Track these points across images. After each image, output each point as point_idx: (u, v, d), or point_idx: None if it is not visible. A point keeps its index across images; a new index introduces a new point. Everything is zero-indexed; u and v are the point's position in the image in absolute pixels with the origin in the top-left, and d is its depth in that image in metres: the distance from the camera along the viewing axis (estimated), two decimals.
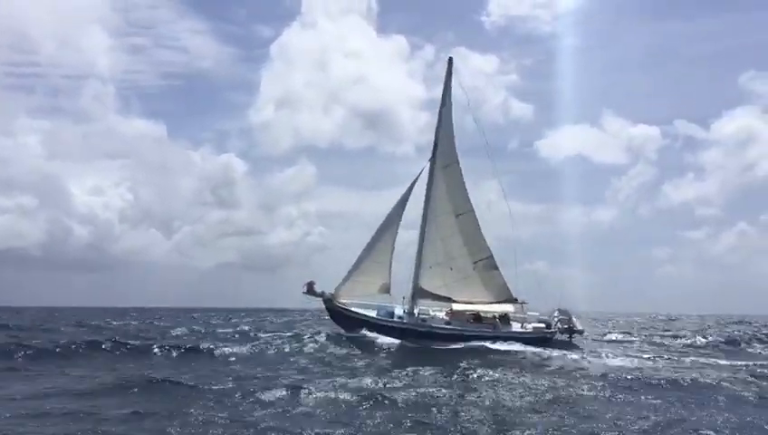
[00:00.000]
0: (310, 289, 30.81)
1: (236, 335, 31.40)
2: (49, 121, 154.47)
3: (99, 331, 35.93)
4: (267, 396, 14.10)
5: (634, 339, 37.45)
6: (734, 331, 48.06)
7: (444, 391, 15.20)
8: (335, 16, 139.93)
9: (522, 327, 31.87)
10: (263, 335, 30.66)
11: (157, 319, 55.12)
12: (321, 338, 27.53)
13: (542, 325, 31.67)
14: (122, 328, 39.69)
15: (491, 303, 33.10)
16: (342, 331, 30.90)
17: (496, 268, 33.97)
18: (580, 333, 31.90)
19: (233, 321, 51.86)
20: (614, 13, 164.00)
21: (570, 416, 12.87)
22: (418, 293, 32.70)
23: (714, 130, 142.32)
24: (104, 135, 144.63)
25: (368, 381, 16.59)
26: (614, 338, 38.12)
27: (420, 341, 29.59)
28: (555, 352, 26.10)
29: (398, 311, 31.87)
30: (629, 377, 18.40)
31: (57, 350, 22.62)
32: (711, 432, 11.70)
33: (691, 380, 18.14)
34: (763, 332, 46.20)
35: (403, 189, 33.54)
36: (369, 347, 26.63)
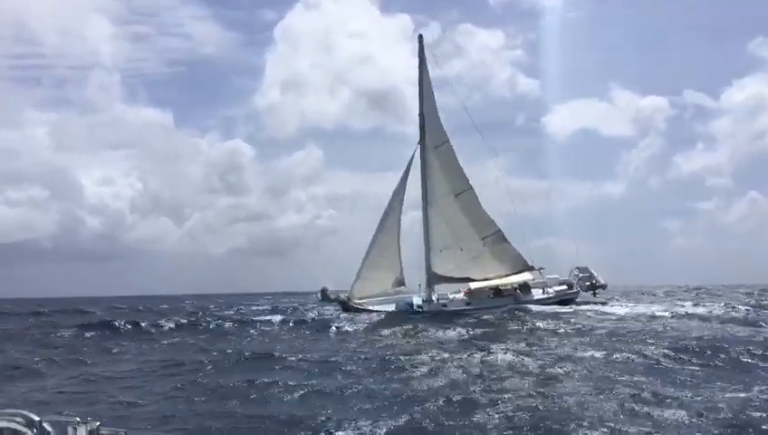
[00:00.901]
0: (324, 296, 30.20)
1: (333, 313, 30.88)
2: (56, 113, 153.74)
3: (193, 314, 34.63)
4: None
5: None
6: None
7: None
8: None
9: (543, 293, 31.18)
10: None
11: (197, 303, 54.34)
12: None
13: (564, 287, 30.99)
14: (209, 310, 39.09)
15: (508, 275, 32.50)
16: None
17: (506, 241, 33.34)
18: (603, 287, 31.23)
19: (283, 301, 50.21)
20: None
21: None
22: (433, 278, 32.01)
23: (724, 99, 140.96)
24: (111, 125, 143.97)
25: None
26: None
27: None
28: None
29: (417, 300, 31.12)
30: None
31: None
32: None
33: None
34: None
35: (411, 172, 32.97)
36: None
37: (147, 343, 20.74)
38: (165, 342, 20.98)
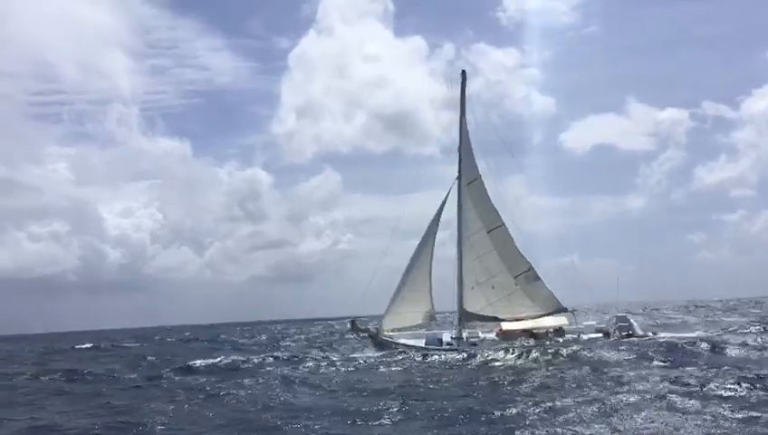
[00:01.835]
0: (353, 327, 29.82)
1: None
2: (76, 147, 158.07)
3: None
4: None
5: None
6: None
7: None
8: (351, 21, 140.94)
9: (578, 338, 30.35)
10: None
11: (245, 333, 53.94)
12: None
13: (600, 335, 30.16)
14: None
15: (539, 316, 31.88)
16: None
17: (539, 279, 32.78)
18: (641, 337, 30.27)
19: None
20: None
21: None
22: (464, 316, 31.50)
23: (744, 109, 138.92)
24: (131, 157, 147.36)
25: None
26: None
27: None
28: None
29: (447, 337, 30.62)
30: None
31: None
32: None
33: None
34: None
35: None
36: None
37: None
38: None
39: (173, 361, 29.15)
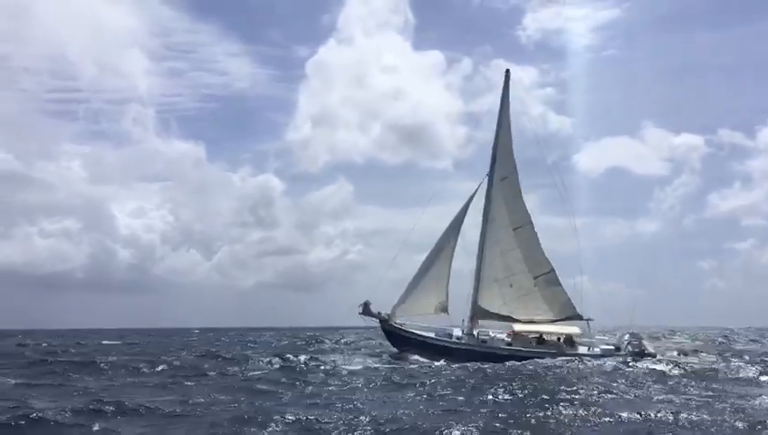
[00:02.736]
0: (366, 310, 30.16)
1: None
2: (92, 146, 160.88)
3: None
4: None
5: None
6: None
7: None
8: (371, 32, 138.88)
9: (589, 350, 30.27)
10: None
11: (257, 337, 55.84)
12: None
13: (611, 347, 29.98)
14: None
15: (553, 321, 31.73)
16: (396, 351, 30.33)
17: (558, 284, 32.52)
18: (652, 356, 30.01)
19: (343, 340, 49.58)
20: (649, 24, 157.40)
21: None
22: (478, 312, 31.64)
23: (760, 138, 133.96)
24: (145, 158, 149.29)
25: None
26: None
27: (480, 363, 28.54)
28: None
29: (457, 332, 30.89)
30: None
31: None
32: None
33: None
34: None
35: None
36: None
37: None
38: None
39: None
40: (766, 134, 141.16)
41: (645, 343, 29.75)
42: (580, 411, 14.70)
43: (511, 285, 32.41)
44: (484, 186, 32.69)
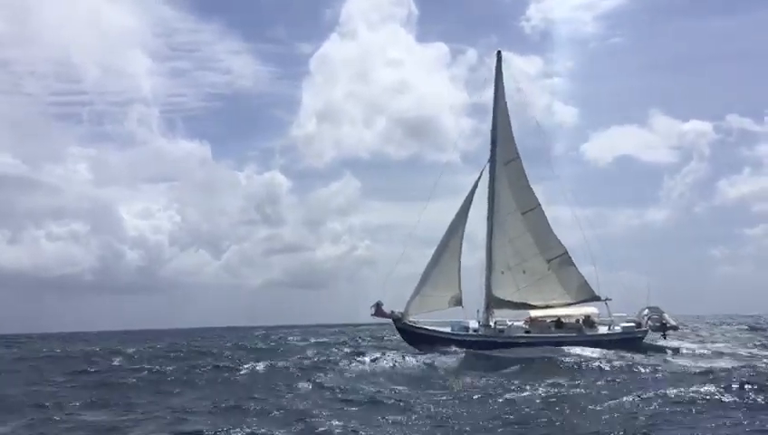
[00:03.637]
0: (378, 311, 29.59)
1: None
2: (97, 148, 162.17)
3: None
4: None
5: None
6: None
7: None
8: (375, 25, 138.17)
9: (609, 329, 29.54)
10: None
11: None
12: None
13: (632, 325, 29.23)
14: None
15: (571, 304, 31.02)
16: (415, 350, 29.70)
17: (573, 265, 31.82)
18: (675, 329, 29.25)
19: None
20: (655, 11, 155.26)
21: None
22: (493, 302, 30.98)
23: None
24: (151, 159, 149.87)
25: None
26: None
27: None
28: None
29: (474, 324, 30.28)
30: None
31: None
32: None
33: None
34: None
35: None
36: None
37: None
38: None
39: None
40: None
41: (666, 316, 28.95)
42: None
43: (524, 271, 31.70)
44: (486, 174, 31.96)
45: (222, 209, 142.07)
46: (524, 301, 31.08)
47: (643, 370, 20.82)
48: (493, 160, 31.78)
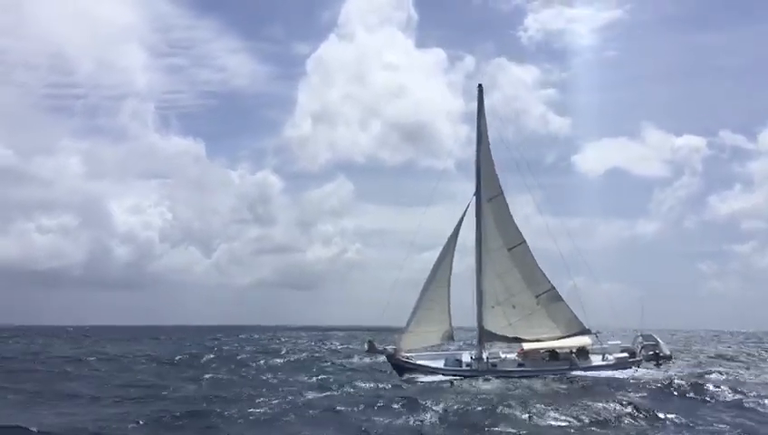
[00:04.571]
0: (371, 347, 29.10)
1: None
2: (90, 142, 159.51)
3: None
4: None
5: None
6: None
7: None
8: (373, 29, 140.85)
9: (603, 359, 29.28)
10: None
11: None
12: None
13: (625, 355, 29.04)
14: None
15: (561, 337, 30.90)
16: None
17: (561, 299, 31.95)
18: (668, 358, 29.13)
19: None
20: (650, 25, 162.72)
21: None
22: (485, 335, 30.61)
23: (761, 141, 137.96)
24: (144, 154, 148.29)
25: None
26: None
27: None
28: None
29: (466, 357, 29.72)
30: None
31: None
32: None
33: None
34: None
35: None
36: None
37: None
38: None
39: None
40: (767, 136, 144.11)
41: (660, 342, 28.90)
42: None
43: (514, 306, 31.64)
44: (473, 207, 32.25)
45: (214, 208, 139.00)
46: (515, 335, 30.86)
47: None
48: (478, 195, 32.13)
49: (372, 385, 25.19)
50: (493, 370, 28.97)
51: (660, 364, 28.92)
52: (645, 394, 21.95)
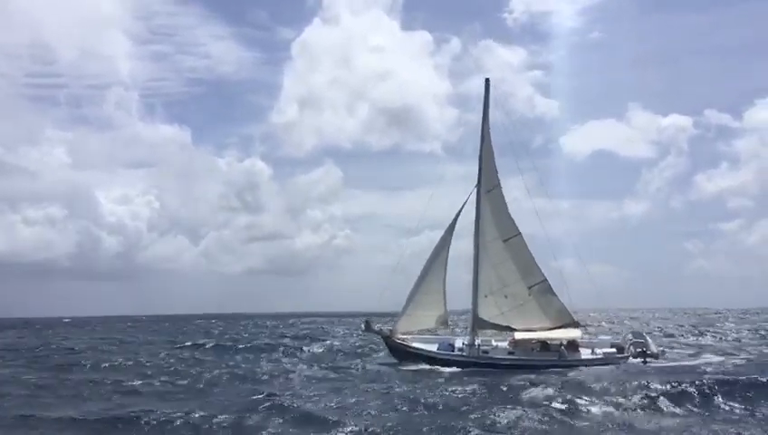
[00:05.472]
0: (368, 327, 29.85)
1: None
2: (74, 131, 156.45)
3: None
4: None
5: None
6: None
7: None
8: (358, 11, 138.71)
9: (592, 353, 30.20)
10: None
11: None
12: None
13: (614, 350, 29.98)
14: None
15: (550, 329, 31.77)
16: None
17: (552, 292, 32.76)
18: (656, 357, 30.06)
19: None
20: (636, 6, 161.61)
21: None
22: (478, 323, 31.44)
23: (746, 119, 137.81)
24: (129, 143, 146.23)
25: None
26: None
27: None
28: None
29: (459, 343, 30.58)
30: None
31: None
32: None
33: None
34: None
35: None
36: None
37: None
38: None
39: None
40: (752, 115, 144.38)
41: (649, 341, 29.82)
42: None
43: (506, 296, 32.44)
44: (473, 196, 32.86)
45: (201, 196, 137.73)
46: (507, 324, 31.69)
47: None
48: (479, 186, 32.73)
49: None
50: (484, 356, 29.82)
51: (647, 362, 29.83)
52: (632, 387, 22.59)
